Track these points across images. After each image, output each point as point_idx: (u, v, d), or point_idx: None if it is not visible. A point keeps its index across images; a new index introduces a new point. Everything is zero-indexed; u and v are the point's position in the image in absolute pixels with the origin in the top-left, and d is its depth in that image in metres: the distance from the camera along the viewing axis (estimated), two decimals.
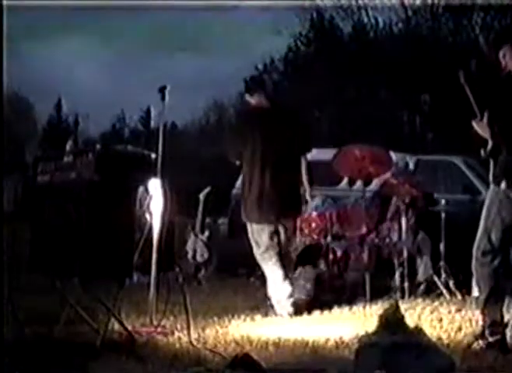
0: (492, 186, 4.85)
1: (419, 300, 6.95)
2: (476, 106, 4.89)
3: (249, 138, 6.37)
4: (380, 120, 21.10)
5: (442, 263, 7.55)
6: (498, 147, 4.75)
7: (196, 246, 8.87)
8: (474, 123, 4.87)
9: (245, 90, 6.75)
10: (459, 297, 7.18)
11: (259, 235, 6.33)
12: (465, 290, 7.22)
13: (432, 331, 5.23)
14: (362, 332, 5.04)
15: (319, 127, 23.40)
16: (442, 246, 7.63)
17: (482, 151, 4.81)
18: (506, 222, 4.73)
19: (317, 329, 5.47)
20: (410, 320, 5.08)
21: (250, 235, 6.41)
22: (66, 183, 8.60)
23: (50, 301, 5.48)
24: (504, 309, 4.75)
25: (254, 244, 6.38)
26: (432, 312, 6.22)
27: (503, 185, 4.73)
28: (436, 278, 7.44)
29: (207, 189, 9.22)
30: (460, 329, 5.43)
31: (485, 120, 4.81)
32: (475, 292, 6.86)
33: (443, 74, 16.80)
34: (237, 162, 6.53)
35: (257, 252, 6.39)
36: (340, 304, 6.69)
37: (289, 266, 6.51)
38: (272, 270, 6.30)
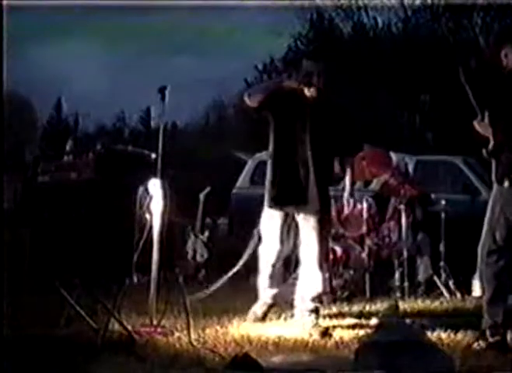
0: (495, 185, 4.84)
1: (419, 300, 6.95)
2: (477, 106, 4.88)
3: None
4: (380, 121, 21.10)
5: (442, 263, 7.55)
6: (500, 146, 4.74)
7: (196, 246, 8.86)
8: (475, 124, 4.86)
9: None
10: (459, 297, 7.18)
11: None
12: (465, 290, 7.22)
13: (432, 331, 5.22)
14: (362, 332, 5.04)
15: None
16: (442, 246, 7.63)
17: (484, 151, 4.80)
18: (510, 221, 4.73)
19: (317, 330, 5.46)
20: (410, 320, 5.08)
21: None
22: (66, 183, 8.61)
23: (50, 301, 5.48)
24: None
25: None
26: None
27: (506, 184, 4.72)
28: (436, 278, 7.45)
29: (207, 189, 9.21)
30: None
31: (486, 120, 4.80)
32: (475, 292, 6.89)
33: (442, 74, 16.80)
34: None
35: None
36: (340, 303, 6.70)
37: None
38: None
